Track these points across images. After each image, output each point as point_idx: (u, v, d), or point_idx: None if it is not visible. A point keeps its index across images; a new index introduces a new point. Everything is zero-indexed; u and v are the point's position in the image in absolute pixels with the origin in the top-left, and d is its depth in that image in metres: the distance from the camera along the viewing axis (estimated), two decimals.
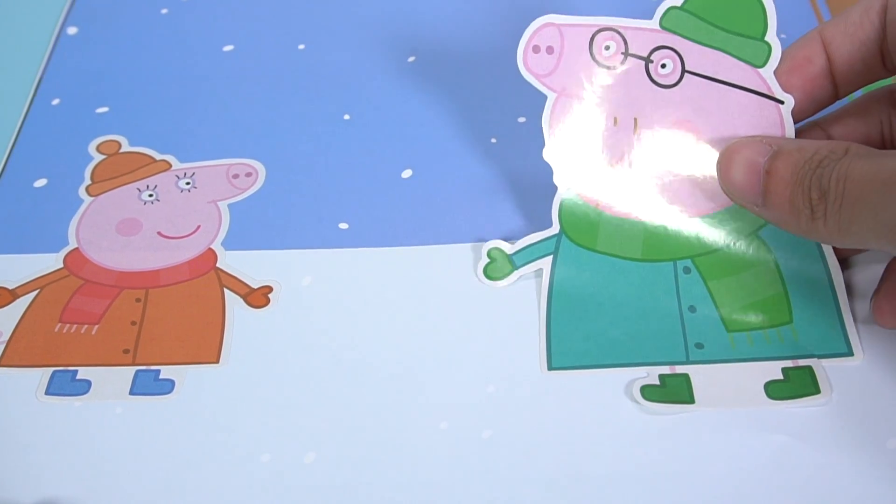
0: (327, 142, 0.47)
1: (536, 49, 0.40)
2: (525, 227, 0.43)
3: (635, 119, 0.40)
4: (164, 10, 0.55)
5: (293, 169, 0.46)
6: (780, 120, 0.39)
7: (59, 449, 0.37)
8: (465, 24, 0.52)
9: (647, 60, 0.39)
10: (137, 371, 0.39)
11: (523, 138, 0.46)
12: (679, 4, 0.39)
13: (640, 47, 0.39)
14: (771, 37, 0.39)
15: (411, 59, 0.51)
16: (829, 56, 0.38)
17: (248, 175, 0.46)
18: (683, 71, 0.39)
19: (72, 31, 0.54)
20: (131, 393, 0.39)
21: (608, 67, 0.39)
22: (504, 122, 0.47)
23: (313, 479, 0.36)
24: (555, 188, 0.41)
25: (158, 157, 0.47)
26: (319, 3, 0.54)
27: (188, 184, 0.46)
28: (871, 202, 0.32)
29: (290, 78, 0.50)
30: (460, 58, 0.51)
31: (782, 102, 0.39)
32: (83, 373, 0.39)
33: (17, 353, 0.40)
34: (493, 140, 0.47)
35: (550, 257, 0.41)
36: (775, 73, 0.38)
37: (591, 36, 0.39)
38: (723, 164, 0.38)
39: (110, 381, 0.39)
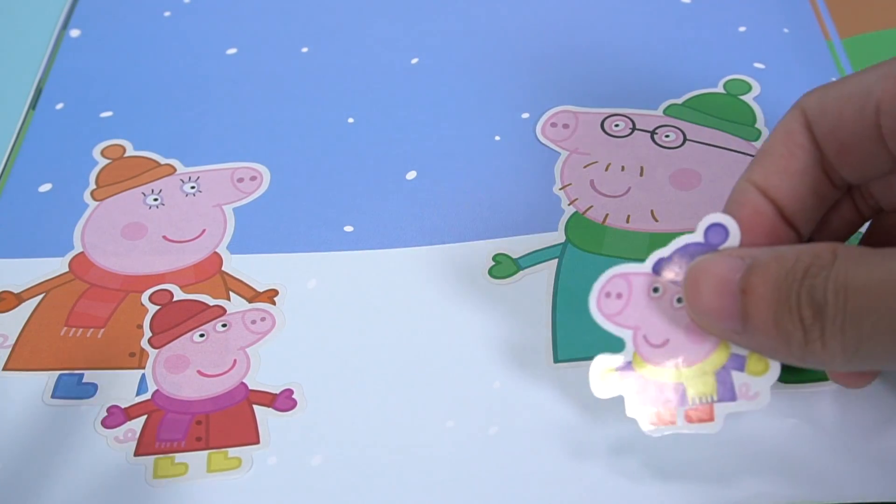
0: (331, 145, 0.47)
1: (554, 125, 0.46)
2: (530, 223, 0.43)
3: (641, 167, 0.44)
4: (167, 13, 0.55)
5: (298, 172, 0.46)
6: None
7: (64, 452, 0.37)
8: (466, 23, 0.52)
9: (653, 133, 0.45)
10: (144, 374, 0.39)
11: (527, 134, 0.47)
12: (680, 102, 0.47)
13: (646, 125, 0.46)
14: (760, 124, 0.45)
15: (414, 60, 0.51)
16: (775, 202, 0.33)
17: (253, 179, 0.46)
18: (685, 139, 0.45)
19: (75, 33, 0.54)
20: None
21: (617, 137, 0.45)
22: (507, 118, 0.47)
23: (321, 482, 0.36)
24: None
25: (163, 161, 0.47)
26: (322, 5, 0.54)
27: (193, 188, 0.46)
28: (886, 315, 0.28)
29: (294, 81, 0.50)
30: (462, 57, 0.51)
31: None
32: (89, 376, 0.39)
33: (22, 357, 0.40)
34: (497, 138, 0.47)
35: (556, 260, 0.42)
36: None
37: (602, 118, 0.46)
38: (689, 288, 0.32)
39: (116, 384, 0.39)
